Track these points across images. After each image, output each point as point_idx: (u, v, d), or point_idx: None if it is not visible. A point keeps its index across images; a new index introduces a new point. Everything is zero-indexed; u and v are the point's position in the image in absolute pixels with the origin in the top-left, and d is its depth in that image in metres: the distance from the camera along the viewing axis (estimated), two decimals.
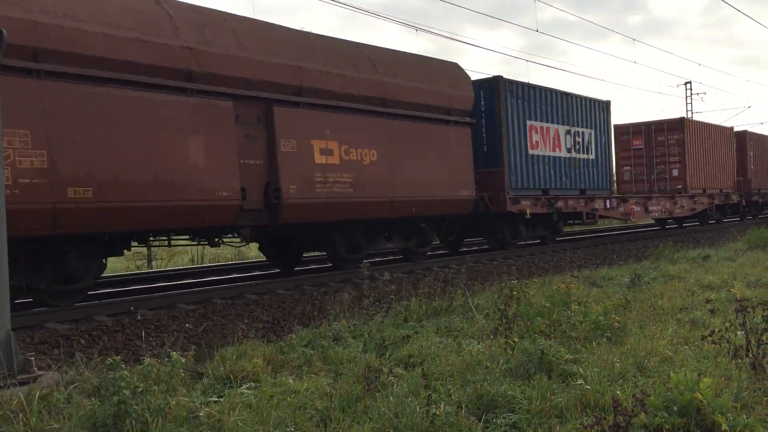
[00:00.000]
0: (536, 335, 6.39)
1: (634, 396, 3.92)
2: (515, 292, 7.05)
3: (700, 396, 4.04)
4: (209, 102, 9.93)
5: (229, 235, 11.44)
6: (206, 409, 4.66)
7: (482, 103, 15.92)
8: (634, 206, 21.35)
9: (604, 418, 3.76)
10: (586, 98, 19.23)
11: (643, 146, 25.81)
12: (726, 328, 5.48)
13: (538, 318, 7.01)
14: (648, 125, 25.90)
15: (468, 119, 14.83)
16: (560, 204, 17.62)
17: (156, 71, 9.37)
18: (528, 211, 16.33)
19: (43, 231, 8.29)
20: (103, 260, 9.73)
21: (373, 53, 13.13)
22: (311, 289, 10.95)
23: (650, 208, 22.35)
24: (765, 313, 5.37)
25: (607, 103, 20.35)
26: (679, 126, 25.30)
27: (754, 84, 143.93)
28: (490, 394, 4.75)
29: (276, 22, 12.08)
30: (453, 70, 15.01)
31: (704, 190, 26.20)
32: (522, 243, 18.08)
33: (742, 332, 5.40)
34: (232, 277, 13.62)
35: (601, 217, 20.64)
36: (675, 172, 25.06)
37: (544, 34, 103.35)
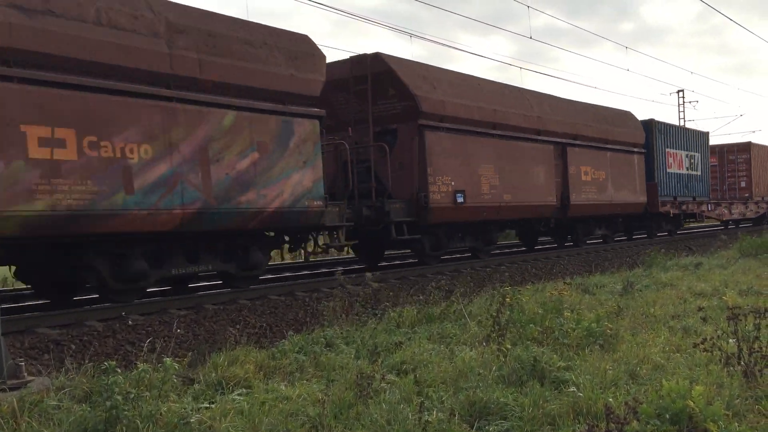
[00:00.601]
0: (529, 342, 6.39)
1: (626, 403, 3.92)
2: (508, 299, 7.05)
3: (692, 404, 4.04)
4: (545, 147, 17.60)
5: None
6: (198, 415, 4.63)
7: None
8: (724, 209, 29.23)
9: (597, 426, 3.76)
10: (695, 131, 27.73)
11: (717, 163, 32.27)
12: (718, 336, 5.49)
13: (530, 325, 7.00)
14: (721, 147, 33.24)
15: (643, 150, 22.52)
16: (684, 207, 25.09)
17: (526, 131, 16.81)
18: (671, 212, 23.84)
19: (492, 217, 15.65)
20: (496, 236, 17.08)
21: (598, 110, 21.17)
22: (304, 295, 10.93)
23: (732, 211, 30.17)
24: (757, 321, 5.38)
25: (707, 133, 28.59)
26: (746, 148, 32.88)
27: (747, 92, 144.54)
28: (482, 401, 4.74)
29: (515, 85, 19.09)
30: (631, 116, 22.95)
31: (763, 197, 33.33)
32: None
33: (734, 340, 5.41)
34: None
35: (705, 217, 28.13)
36: (743, 184, 32.47)
37: (537, 41, 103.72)
